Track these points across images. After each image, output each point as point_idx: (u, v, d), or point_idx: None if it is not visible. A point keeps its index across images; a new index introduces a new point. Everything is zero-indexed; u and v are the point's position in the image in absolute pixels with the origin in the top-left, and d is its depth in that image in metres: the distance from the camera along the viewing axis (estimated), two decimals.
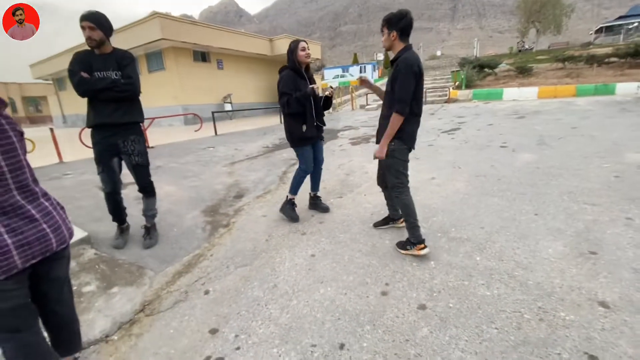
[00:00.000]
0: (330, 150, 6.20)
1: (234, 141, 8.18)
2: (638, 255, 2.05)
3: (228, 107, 15.39)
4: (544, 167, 4.02)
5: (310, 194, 3.33)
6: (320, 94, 2.80)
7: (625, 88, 11.60)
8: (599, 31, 41.45)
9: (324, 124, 3.00)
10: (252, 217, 3.27)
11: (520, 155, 4.64)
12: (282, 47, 18.16)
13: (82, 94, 2.33)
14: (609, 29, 39.85)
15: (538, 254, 2.18)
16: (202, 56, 15.32)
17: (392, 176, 2.31)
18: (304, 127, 2.84)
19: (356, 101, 16.90)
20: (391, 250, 2.41)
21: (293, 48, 2.76)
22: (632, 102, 9.22)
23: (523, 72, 16.59)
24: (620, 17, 41.82)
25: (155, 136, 9.51)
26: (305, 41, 2.82)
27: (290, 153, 6.26)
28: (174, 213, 3.49)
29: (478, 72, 17.21)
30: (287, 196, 3.14)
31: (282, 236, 2.80)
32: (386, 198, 2.76)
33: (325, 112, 3.07)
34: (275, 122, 12.51)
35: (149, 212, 2.80)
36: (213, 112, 9.53)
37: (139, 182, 2.69)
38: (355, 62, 44.93)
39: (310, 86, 2.73)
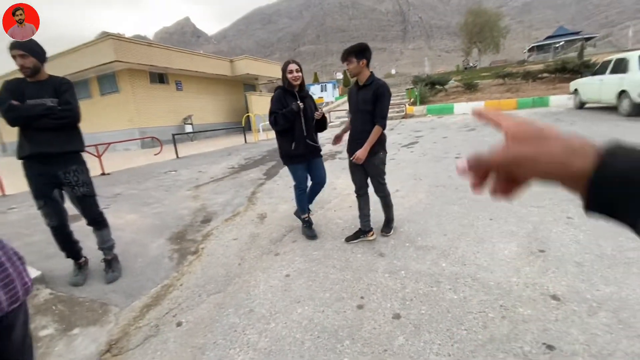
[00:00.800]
0: None
1: (197, 163, 7.98)
2: (579, 250, 2.30)
3: (189, 128, 15.03)
4: None
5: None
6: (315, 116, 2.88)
7: (557, 100, 13.02)
8: (531, 50, 46.37)
9: (316, 143, 3.00)
10: (222, 241, 3.20)
11: None
12: (242, 67, 18.27)
13: (12, 121, 2.17)
14: (539, 48, 44.74)
15: (496, 256, 2.37)
16: (159, 78, 14.95)
17: (380, 178, 2.73)
18: (293, 145, 2.86)
19: None
20: (364, 264, 2.48)
21: (283, 69, 2.84)
22: (564, 113, 10.37)
23: (470, 88, 18.02)
24: (549, 37, 47.20)
25: (110, 162, 9.01)
26: (295, 62, 2.84)
27: (257, 173, 6.24)
28: (137, 242, 3.32)
29: (430, 88, 18.43)
30: (300, 217, 3.17)
31: (255, 258, 2.78)
32: (360, 208, 2.87)
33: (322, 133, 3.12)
34: (239, 142, 12.39)
35: (106, 245, 2.63)
36: (174, 135, 9.25)
37: (87, 215, 2.52)
38: (316, 81, 45.99)
39: (295, 103, 2.76)
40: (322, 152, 3.13)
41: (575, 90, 10.70)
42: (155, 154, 9.09)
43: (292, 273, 2.46)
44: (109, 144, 7.60)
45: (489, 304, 1.87)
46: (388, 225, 2.92)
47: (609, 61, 8.69)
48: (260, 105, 18.50)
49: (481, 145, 6.53)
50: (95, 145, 7.22)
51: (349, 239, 2.87)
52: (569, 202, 3.15)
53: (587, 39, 39.85)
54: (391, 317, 1.85)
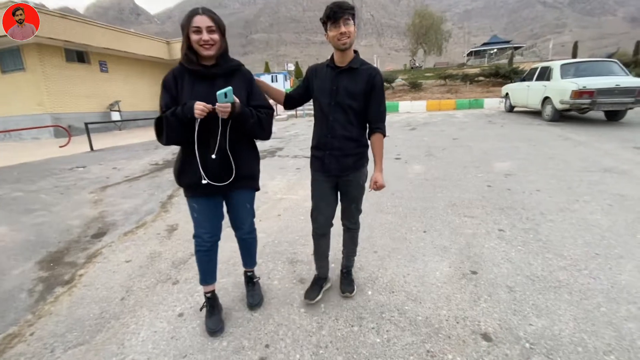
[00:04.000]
0: None
1: (114, 158, 6.91)
2: (511, 270, 2.13)
3: (116, 116, 13.32)
4: (431, 178, 4.25)
5: (244, 269, 2.08)
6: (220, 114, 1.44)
7: (490, 103, 13.90)
8: (469, 54, 49.94)
9: (231, 167, 1.59)
10: (110, 264, 2.55)
11: (411, 167, 4.88)
12: None
13: None
14: (477, 53, 48.36)
15: (426, 280, 2.10)
16: (78, 56, 12.95)
17: (359, 204, 1.91)
18: (180, 167, 1.63)
19: None
20: (279, 294, 2.06)
21: (184, 25, 1.47)
22: (496, 115, 11.02)
23: (415, 87, 18.61)
24: (485, 44, 51.27)
25: (3, 153, 7.50)
26: (208, 14, 1.47)
27: None
28: None
29: None
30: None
31: (145, 289, 2.20)
32: (320, 251, 1.97)
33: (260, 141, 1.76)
34: None
35: None
36: (86, 124, 7.93)
37: None
38: (267, 70, 44.73)
39: (190, 104, 1.40)
40: (244, 178, 1.70)
41: (506, 94, 11.42)
42: (60, 146, 7.70)
43: (188, 311, 1.95)
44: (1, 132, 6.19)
45: (415, 348, 1.56)
46: (348, 276, 2.06)
47: (536, 68, 9.33)
48: None
49: (420, 145, 6.51)
50: None
51: (312, 297, 1.91)
52: (501, 212, 3.06)
53: (516, 48, 44.05)
54: None
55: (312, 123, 1.94)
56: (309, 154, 1.90)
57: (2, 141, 11.78)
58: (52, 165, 6.29)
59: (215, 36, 1.48)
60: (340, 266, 2.12)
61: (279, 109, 17.86)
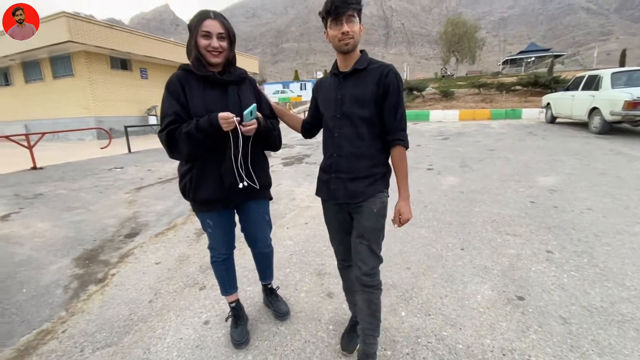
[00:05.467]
0: None
1: (149, 160, 7.19)
2: (563, 298, 1.91)
3: (153, 120, 13.98)
4: (467, 191, 4.02)
5: (262, 283, 2.05)
6: (244, 130, 1.38)
7: (529, 113, 13.20)
8: (505, 63, 48.18)
9: (254, 181, 1.53)
10: (140, 265, 2.59)
11: (445, 179, 4.66)
12: None
13: None
14: (512, 62, 46.57)
15: (466, 303, 1.93)
16: (121, 63, 13.78)
17: (372, 241, 1.40)
18: (197, 181, 1.49)
19: None
20: (306, 307, 1.98)
21: (192, 26, 1.38)
22: (536, 126, 10.42)
23: (446, 96, 18.11)
24: (521, 52, 49.29)
25: (51, 153, 8.03)
26: (218, 18, 1.39)
27: None
28: (33, 263, 2.65)
29: (408, 94, 18.35)
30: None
31: (173, 293, 2.20)
32: (349, 287, 1.67)
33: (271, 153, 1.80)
34: None
35: None
36: (126, 127, 8.35)
37: None
38: (296, 78, 45.53)
39: (220, 115, 1.31)
40: (262, 188, 1.61)
41: (548, 104, 10.79)
42: (101, 148, 8.14)
43: (214, 319, 1.91)
44: (44, 133, 6.65)
45: None
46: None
47: (582, 77, 8.74)
48: None
49: (454, 155, 6.24)
50: (26, 135, 6.27)
51: (350, 350, 1.59)
52: (548, 231, 2.81)
53: (557, 56, 41.94)
54: None
55: None
56: None
57: (51, 141, 12.68)
58: (93, 166, 6.64)
59: (225, 44, 1.41)
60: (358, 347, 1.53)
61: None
